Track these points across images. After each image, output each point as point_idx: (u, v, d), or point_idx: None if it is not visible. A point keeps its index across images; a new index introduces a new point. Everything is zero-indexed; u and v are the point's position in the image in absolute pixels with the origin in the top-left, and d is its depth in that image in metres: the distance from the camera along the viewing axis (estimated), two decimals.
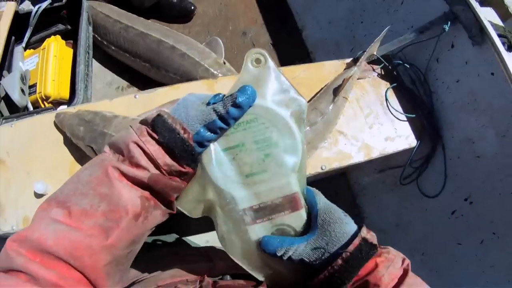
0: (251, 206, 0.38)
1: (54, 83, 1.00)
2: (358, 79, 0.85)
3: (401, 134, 0.86)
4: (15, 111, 0.97)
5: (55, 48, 1.05)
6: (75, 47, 1.12)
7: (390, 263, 0.33)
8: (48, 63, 1.00)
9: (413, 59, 0.93)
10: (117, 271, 0.36)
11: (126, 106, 0.72)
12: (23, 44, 1.10)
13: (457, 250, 0.91)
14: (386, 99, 0.87)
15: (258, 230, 0.38)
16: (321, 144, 0.75)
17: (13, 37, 1.11)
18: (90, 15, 1.19)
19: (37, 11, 1.10)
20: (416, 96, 0.91)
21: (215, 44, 1.19)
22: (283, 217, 0.38)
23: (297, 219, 0.38)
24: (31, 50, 1.12)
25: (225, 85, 0.81)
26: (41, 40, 1.11)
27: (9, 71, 1.01)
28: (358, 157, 0.80)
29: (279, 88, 0.38)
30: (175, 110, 0.37)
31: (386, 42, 0.89)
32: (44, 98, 0.99)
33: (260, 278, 0.39)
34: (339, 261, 0.33)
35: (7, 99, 0.95)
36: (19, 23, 1.12)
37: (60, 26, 1.21)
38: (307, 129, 0.71)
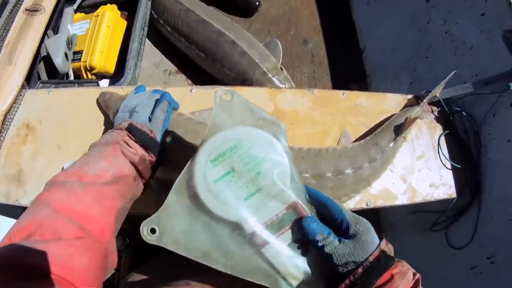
0: (259, 226, 0.35)
1: (102, 55, 0.90)
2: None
3: (445, 182, 0.82)
4: (54, 75, 0.87)
5: (110, 17, 0.94)
6: (129, 20, 1.02)
7: (404, 275, 0.36)
8: (100, 32, 0.90)
9: (470, 108, 0.87)
10: (118, 225, 0.44)
11: (179, 98, 0.64)
12: (75, 6, 0.98)
13: None
14: (439, 144, 0.83)
15: (273, 248, 0.35)
16: (374, 181, 0.71)
17: None
18: None
19: None
20: (465, 146, 0.87)
21: (273, 46, 1.10)
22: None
23: None
24: (82, 14, 1.01)
25: (286, 98, 0.74)
26: (94, 6, 1.00)
27: (55, 32, 0.90)
28: (402, 199, 0.75)
29: (253, 115, 0.40)
30: (138, 116, 0.54)
31: (449, 86, 0.85)
32: (88, 68, 0.89)
33: None
34: (360, 270, 0.34)
35: (47, 61, 0.85)
36: None
37: None
38: (365, 165, 0.66)
